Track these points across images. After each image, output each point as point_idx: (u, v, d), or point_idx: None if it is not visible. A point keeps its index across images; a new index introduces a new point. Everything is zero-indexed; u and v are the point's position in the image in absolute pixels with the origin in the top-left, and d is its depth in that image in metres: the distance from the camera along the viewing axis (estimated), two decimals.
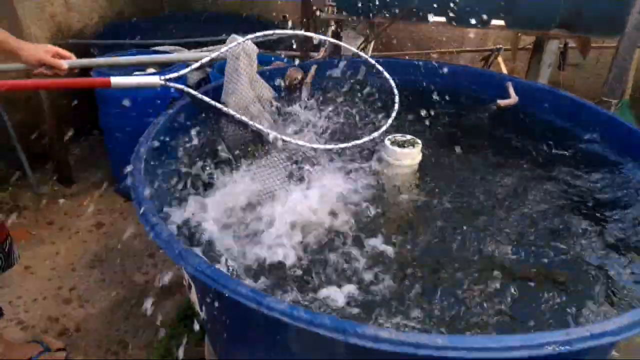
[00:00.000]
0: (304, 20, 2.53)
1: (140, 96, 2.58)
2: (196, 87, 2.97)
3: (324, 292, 1.19)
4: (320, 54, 2.46)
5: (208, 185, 1.54)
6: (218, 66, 2.70)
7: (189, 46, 3.15)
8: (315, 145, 1.57)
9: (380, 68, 1.81)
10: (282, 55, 2.80)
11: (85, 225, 2.71)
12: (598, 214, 1.45)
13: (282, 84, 2.03)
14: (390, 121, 1.58)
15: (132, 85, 1.48)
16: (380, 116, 1.69)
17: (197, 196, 1.45)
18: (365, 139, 1.55)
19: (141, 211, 1.20)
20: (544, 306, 1.18)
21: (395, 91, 1.69)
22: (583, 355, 0.95)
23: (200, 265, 1.05)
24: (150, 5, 3.84)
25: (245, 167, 1.58)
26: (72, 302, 2.24)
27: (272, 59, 2.59)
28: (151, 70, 2.81)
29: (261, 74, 2.13)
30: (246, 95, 1.74)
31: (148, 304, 2.20)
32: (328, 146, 1.57)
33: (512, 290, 1.21)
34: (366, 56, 1.94)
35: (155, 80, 1.49)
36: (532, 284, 1.25)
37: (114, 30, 3.38)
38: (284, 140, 1.53)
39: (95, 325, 2.12)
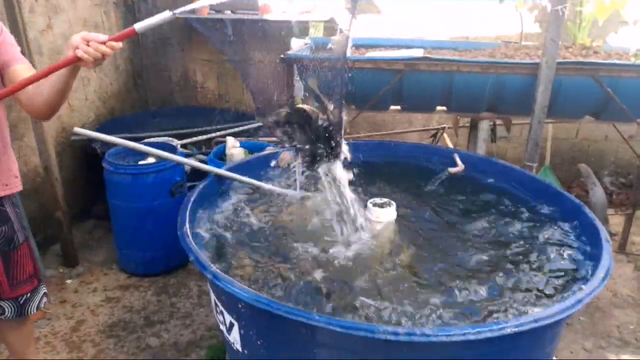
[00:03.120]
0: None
1: (145, 181, 2.98)
2: (191, 172, 3.42)
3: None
4: None
5: None
6: (215, 152, 3.16)
7: (176, 136, 3.64)
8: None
9: None
10: (266, 141, 3.32)
11: (95, 301, 2.97)
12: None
13: (277, 164, 2.52)
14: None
15: (152, 25, 1.51)
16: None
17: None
18: None
19: (203, 264, 1.60)
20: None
21: None
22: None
23: (260, 298, 1.45)
24: (137, 103, 4.33)
25: None
26: None
27: (265, 145, 3.09)
28: (151, 160, 3.23)
29: (257, 159, 2.61)
30: None
31: None
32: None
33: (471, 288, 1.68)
34: None
35: (167, 14, 1.53)
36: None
37: (107, 126, 3.81)
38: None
39: None
